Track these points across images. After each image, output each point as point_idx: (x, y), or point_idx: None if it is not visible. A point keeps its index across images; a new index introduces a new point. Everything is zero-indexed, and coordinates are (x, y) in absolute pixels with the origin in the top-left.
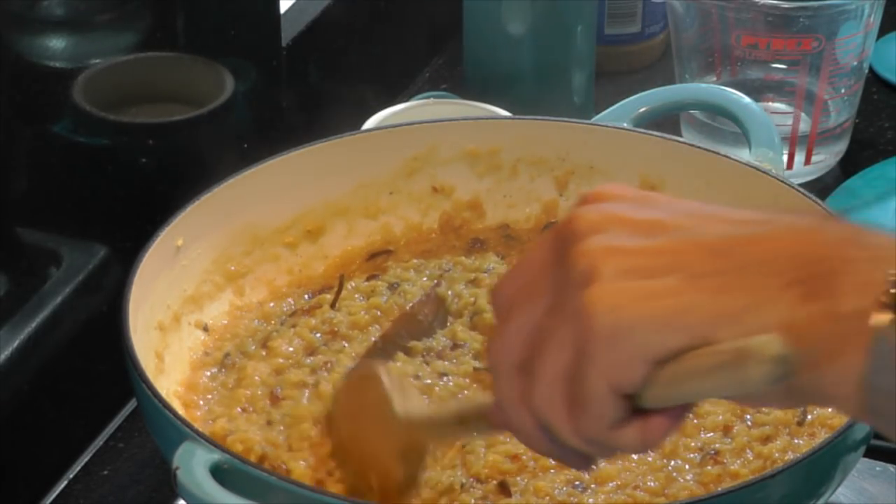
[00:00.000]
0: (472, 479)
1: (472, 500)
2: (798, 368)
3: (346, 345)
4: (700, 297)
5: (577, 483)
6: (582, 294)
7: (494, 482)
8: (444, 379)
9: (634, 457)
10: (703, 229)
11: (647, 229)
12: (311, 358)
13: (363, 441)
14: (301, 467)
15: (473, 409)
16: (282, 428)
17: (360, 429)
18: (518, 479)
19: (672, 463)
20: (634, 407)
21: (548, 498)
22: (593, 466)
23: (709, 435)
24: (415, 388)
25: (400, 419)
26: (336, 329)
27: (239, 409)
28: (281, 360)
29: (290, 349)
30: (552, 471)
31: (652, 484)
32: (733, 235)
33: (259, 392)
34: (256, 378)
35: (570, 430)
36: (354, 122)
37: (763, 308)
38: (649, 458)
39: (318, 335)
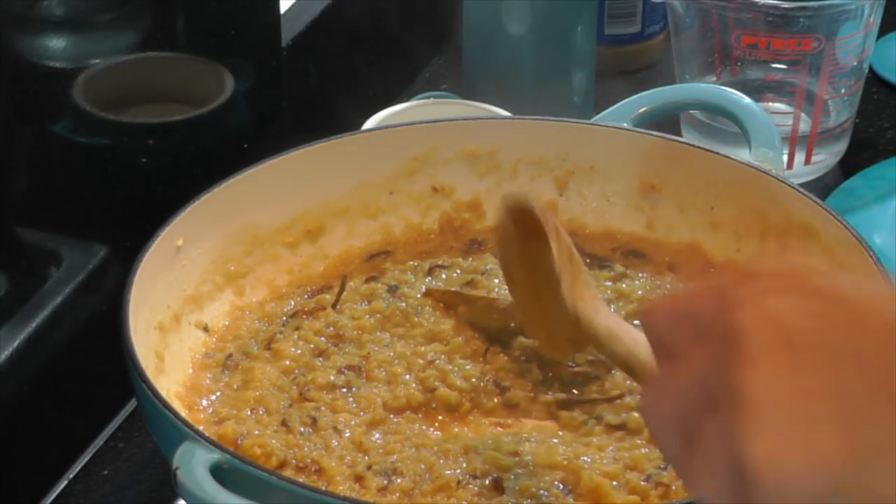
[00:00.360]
0: (468, 476)
1: (469, 496)
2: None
3: (355, 348)
4: (854, 432)
5: (560, 485)
6: (740, 431)
7: (490, 478)
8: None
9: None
10: (869, 351)
11: (812, 352)
12: (321, 360)
13: (533, 297)
14: (335, 466)
15: (638, 366)
16: (302, 429)
17: (529, 284)
18: (511, 475)
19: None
20: None
21: (533, 500)
22: None
23: None
24: (586, 273)
25: (566, 307)
26: (342, 333)
27: (248, 411)
28: (288, 363)
29: (298, 352)
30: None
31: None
32: None
33: (270, 394)
34: (266, 380)
35: None
36: (354, 122)
37: None
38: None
39: (323, 339)
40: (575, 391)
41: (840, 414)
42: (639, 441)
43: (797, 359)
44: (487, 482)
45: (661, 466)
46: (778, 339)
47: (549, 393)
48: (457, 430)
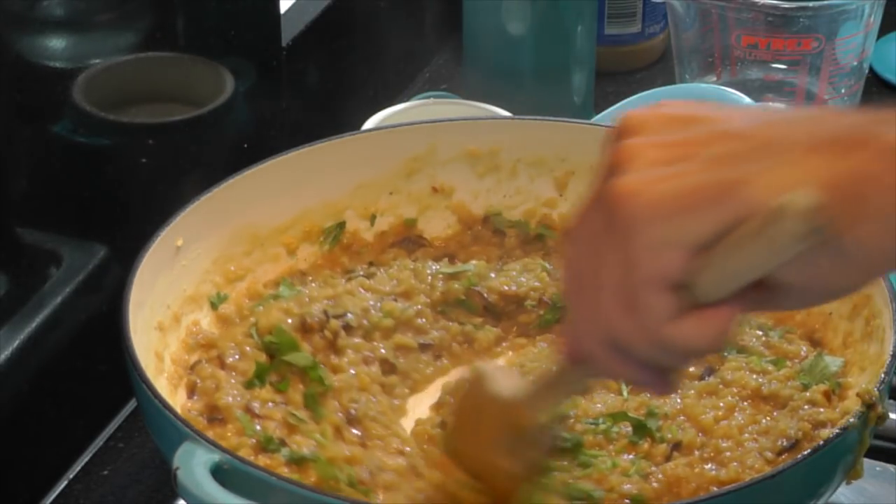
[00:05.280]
0: None
1: None
2: (831, 218)
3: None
4: (715, 173)
5: None
6: (612, 188)
7: None
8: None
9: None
10: (733, 121)
11: (681, 125)
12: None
13: (477, 448)
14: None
15: (559, 368)
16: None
17: (472, 436)
18: None
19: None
20: (695, 303)
21: None
22: (671, 387)
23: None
24: (514, 373)
25: (505, 400)
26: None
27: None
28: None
29: None
30: None
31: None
32: (760, 122)
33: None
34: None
35: (633, 335)
36: (354, 122)
37: (784, 169)
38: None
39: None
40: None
41: (700, 164)
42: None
43: (667, 128)
44: None
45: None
46: (644, 163)
47: None
48: None
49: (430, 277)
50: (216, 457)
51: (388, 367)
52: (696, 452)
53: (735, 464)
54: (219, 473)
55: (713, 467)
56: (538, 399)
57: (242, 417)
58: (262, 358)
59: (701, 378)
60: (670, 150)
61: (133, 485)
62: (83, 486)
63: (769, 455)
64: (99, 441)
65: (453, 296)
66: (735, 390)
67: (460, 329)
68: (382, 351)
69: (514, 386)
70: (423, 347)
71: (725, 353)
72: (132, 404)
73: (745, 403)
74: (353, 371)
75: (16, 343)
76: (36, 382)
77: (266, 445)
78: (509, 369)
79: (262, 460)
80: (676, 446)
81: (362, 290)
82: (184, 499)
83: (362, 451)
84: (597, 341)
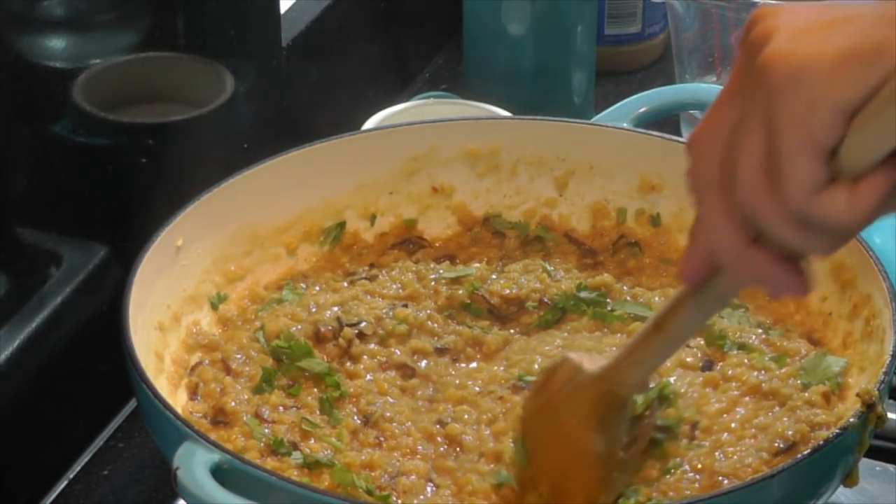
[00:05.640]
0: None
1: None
2: None
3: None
4: (860, 36)
5: None
6: (758, 58)
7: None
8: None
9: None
10: (867, 6)
11: (814, 12)
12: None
13: (559, 439)
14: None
15: (668, 304)
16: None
17: (553, 426)
18: None
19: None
20: (840, 176)
21: None
22: (807, 285)
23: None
24: (596, 358)
25: (595, 374)
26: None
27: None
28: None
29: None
30: None
31: None
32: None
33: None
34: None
35: (775, 211)
36: (354, 122)
37: None
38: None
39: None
40: None
41: (851, 29)
42: None
43: (809, 27)
44: None
45: None
46: (788, 31)
47: None
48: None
49: (433, 282)
50: (216, 457)
51: (408, 372)
52: (707, 442)
53: (736, 457)
54: (219, 473)
55: (721, 456)
56: (638, 352)
57: (251, 422)
58: (269, 362)
59: (702, 370)
60: (810, 23)
61: (133, 485)
62: (83, 486)
63: (765, 456)
64: (99, 441)
65: (458, 300)
66: (735, 385)
67: (471, 333)
68: (398, 354)
69: (599, 363)
70: (440, 351)
71: (725, 349)
72: (132, 404)
73: (747, 399)
74: (369, 377)
75: (16, 343)
76: (36, 382)
77: (276, 448)
78: (589, 355)
79: (271, 463)
80: (695, 426)
81: (368, 296)
82: (184, 499)
83: (379, 455)
84: (730, 234)
